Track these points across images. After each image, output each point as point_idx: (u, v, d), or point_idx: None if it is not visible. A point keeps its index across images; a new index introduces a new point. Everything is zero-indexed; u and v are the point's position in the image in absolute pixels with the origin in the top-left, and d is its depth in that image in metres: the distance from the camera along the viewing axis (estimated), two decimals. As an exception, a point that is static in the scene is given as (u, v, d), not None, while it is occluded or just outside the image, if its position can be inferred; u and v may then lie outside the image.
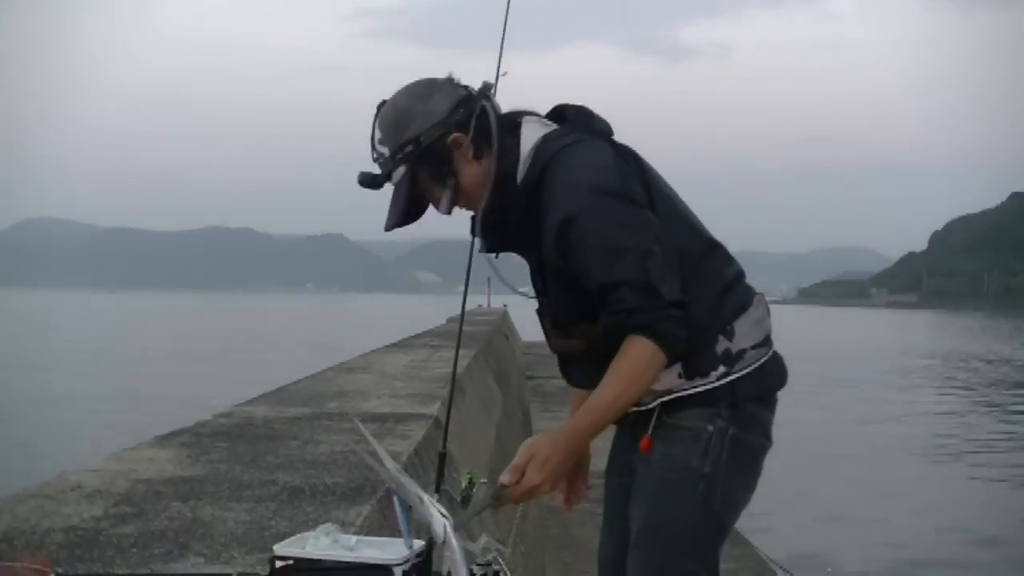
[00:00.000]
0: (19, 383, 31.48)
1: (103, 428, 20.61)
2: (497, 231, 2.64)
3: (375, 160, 2.57)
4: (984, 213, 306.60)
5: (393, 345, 13.86)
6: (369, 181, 2.57)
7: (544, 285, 2.68)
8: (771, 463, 2.64)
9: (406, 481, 1.96)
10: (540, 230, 2.53)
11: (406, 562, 2.08)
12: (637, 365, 2.43)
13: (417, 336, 16.29)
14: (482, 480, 2.36)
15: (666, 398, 2.55)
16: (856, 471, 18.20)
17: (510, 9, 3.04)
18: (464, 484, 2.32)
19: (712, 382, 2.54)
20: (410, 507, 1.96)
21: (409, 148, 2.53)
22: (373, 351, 12.50)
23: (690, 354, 2.51)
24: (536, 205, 2.53)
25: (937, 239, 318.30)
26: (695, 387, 2.54)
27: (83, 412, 24.65)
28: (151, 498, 3.98)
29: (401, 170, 2.54)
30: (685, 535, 2.59)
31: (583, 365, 2.65)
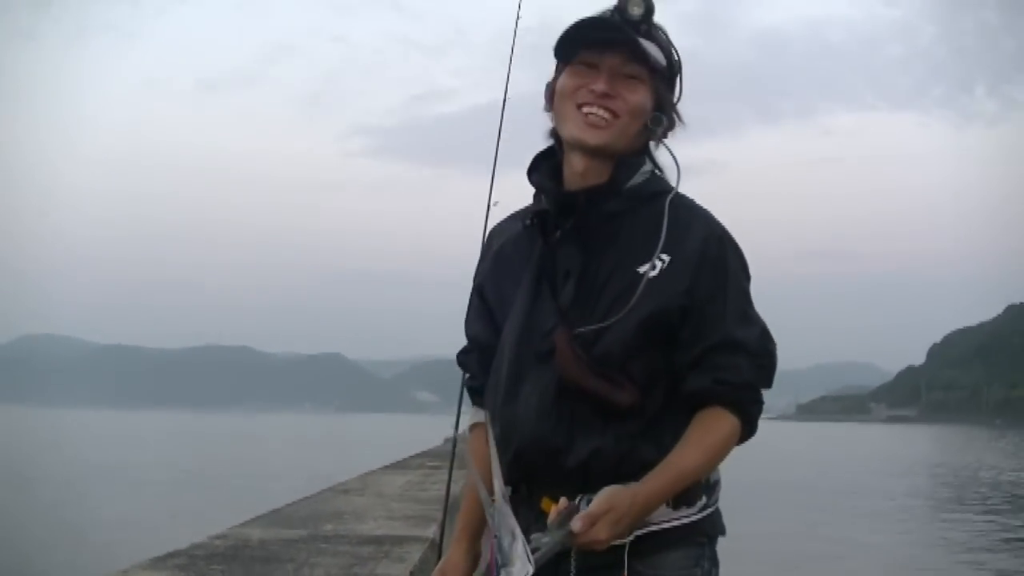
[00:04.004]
0: (15, 501, 31.18)
1: (96, 548, 20.35)
2: (588, 205, 2.26)
3: (623, 10, 2.24)
4: (981, 325, 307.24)
5: (390, 466, 13.80)
6: (645, 6, 2.23)
7: (583, 299, 2.22)
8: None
9: (507, 511, 1.88)
10: (630, 240, 2.23)
11: None
12: (725, 442, 2.20)
13: (414, 456, 16.21)
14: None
15: (647, 529, 2.18)
16: None
17: (502, 133, 3.05)
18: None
19: (695, 514, 2.24)
20: (496, 536, 1.88)
21: (674, 56, 2.31)
22: (370, 472, 12.43)
23: None
24: (633, 215, 2.26)
25: (935, 352, 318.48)
26: (679, 519, 2.21)
27: (75, 531, 24.37)
28: (144, 623, 3.95)
29: (662, 58, 2.27)
30: None
31: (579, 423, 2.18)
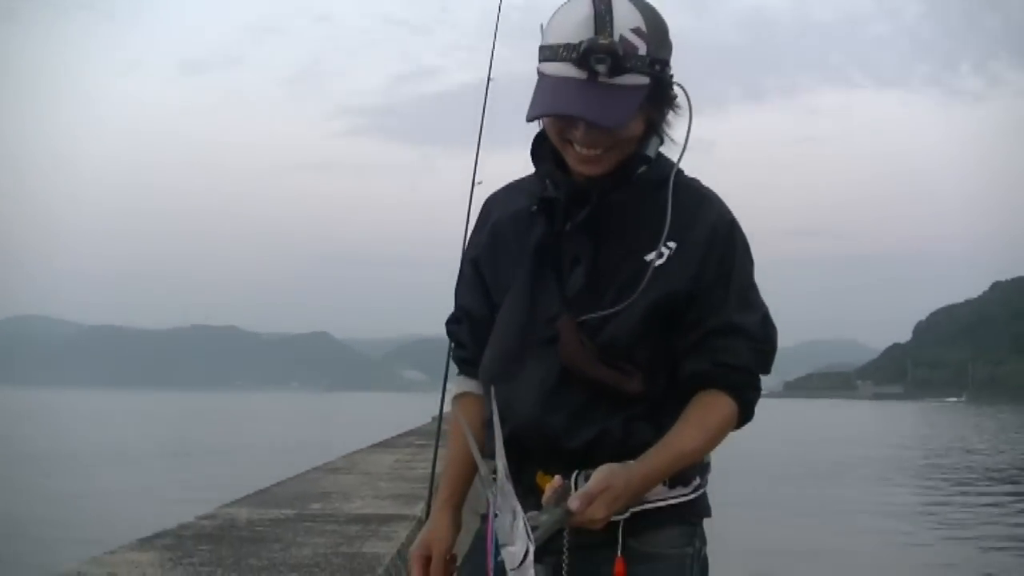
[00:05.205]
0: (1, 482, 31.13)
1: (82, 528, 20.36)
2: (599, 197, 2.19)
3: (607, 43, 2.03)
4: (967, 303, 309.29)
5: (378, 444, 13.80)
6: (611, 59, 2.03)
7: (590, 287, 2.19)
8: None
9: (509, 490, 1.81)
10: (642, 228, 2.19)
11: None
12: (723, 425, 2.19)
13: (402, 435, 16.22)
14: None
15: (643, 507, 2.17)
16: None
17: (487, 110, 3.04)
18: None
19: (689, 494, 2.24)
20: (496, 515, 1.81)
21: (661, 68, 2.12)
22: (358, 451, 12.44)
23: None
24: (641, 203, 2.21)
25: (921, 329, 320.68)
26: (675, 498, 2.22)
27: (61, 512, 24.35)
28: (131, 603, 3.95)
29: (644, 79, 2.09)
30: None
31: (581, 409, 2.15)
